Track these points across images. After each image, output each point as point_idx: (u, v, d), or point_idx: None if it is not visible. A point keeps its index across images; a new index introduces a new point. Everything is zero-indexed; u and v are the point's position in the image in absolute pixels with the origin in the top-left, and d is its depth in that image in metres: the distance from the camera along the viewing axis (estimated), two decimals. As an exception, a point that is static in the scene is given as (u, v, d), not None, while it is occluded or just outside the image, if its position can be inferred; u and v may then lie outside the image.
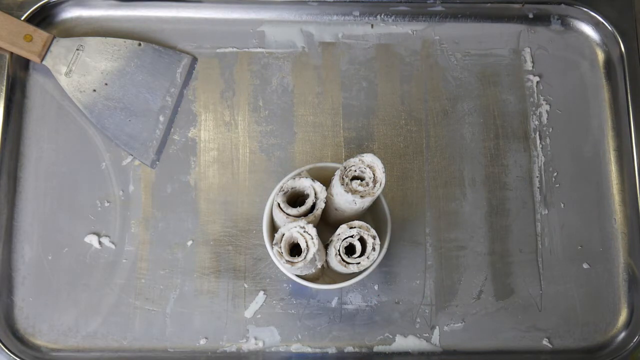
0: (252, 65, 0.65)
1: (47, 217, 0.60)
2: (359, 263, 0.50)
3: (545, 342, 0.59)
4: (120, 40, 0.63)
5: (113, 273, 0.59)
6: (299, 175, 0.52)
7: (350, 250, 0.51)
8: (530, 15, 0.67)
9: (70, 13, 0.65)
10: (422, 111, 0.64)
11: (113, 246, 0.60)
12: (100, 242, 0.60)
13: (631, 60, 0.64)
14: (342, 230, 0.50)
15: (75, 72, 0.62)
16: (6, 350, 0.57)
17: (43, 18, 0.65)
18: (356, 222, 0.50)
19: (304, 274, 0.53)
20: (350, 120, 0.64)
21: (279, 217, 0.51)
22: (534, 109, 0.65)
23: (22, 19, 0.63)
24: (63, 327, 0.58)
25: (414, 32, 0.66)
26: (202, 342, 0.58)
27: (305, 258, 0.48)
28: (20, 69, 0.63)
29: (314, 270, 0.52)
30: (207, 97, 0.64)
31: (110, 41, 0.63)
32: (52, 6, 0.65)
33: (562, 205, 0.62)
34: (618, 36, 0.65)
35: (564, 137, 0.64)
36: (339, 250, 0.50)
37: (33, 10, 0.64)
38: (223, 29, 0.66)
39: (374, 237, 0.50)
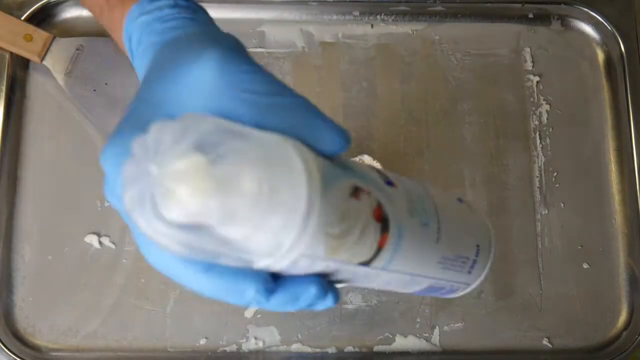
0: (252, 65, 0.65)
1: (47, 217, 0.60)
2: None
3: (545, 342, 0.59)
4: (120, 40, 0.63)
5: (113, 273, 0.59)
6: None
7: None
8: (530, 15, 0.67)
9: (70, 13, 0.65)
10: (422, 111, 0.64)
11: (113, 246, 0.60)
12: (100, 242, 0.60)
13: (631, 60, 0.64)
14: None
15: (75, 72, 0.62)
16: (6, 350, 0.57)
17: (43, 18, 0.65)
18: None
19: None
20: (350, 120, 0.64)
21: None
22: (534, 109, 0.65)
23: (22, 19, 0.63)
24: (63, 327, 0.58)
25: (414, 32, 0.66)
26: (202, 342, 0.59)
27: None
28: (20, 69, 0.63)
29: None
30: (207, 97, 0.64)
31: (110, 41, 0.63)
32: (52, 6, 0.65)
33: (562, 205, 0.62)
34: (618, 36, 0.65)
35: (564, 137, 0.64)
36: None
37: (33, 10, 0.64)
38: (223, 29, 0.66)
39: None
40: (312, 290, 0.28)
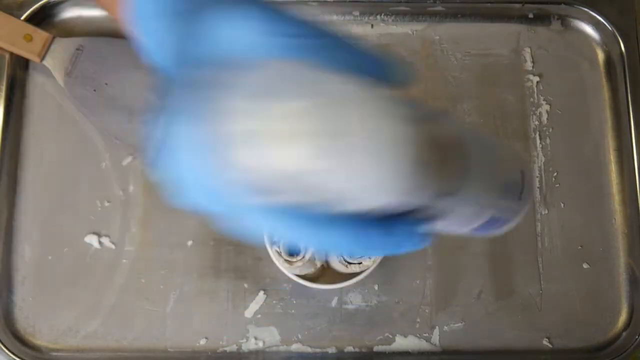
0: (252, 65, 0.65)
1: (47, 217, 0.60)
2: (360, 263, 0.50)
3: (545, 342, 0.59)
4: (121, 40, 0.63)
5: (113, 273, 0.59)
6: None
7: (350, 250, 0.51)
8: (530, 15, 0.67)
9: (70, 13, 0.65)
10: (422, 111, 0.64)
11: (113, 246, 0.60)
12: (100, 242, 0.60)
13: (631, 60, 0.64)
14: (342, 230, 0.49)
15: (75, 72, 0.62)
16: (6, 351, 0.57)
17: (43, 18, 0.65)
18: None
19: (303, 273, 0.53)
20: (350, 120, 0.63)
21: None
22: (534, 109, 0.65)
23: (22, 18, 0.63)
24: (63, 327, 0.58)
25: (414, 32, 0.66)
26: (202, 342, 0.59)
27: (304, 257, 0.48)
28: (20, 69, 0.63)
29: (313, 270, 0.52)
30: (207, 97, 0.64)
31: (110, 41, 0.63)
32: (52, 6, 0.65)
33: (562, 205, 0.62)
34: (618, 36, 0.65)
35: (564, 137, 0.64)
36: (339, 250, 0.49)
37: (33, 10, 0.64)
38: (223, 29, 0.66)
39: (374, 237, 0.49)
40: (415, 229, 0.27)
